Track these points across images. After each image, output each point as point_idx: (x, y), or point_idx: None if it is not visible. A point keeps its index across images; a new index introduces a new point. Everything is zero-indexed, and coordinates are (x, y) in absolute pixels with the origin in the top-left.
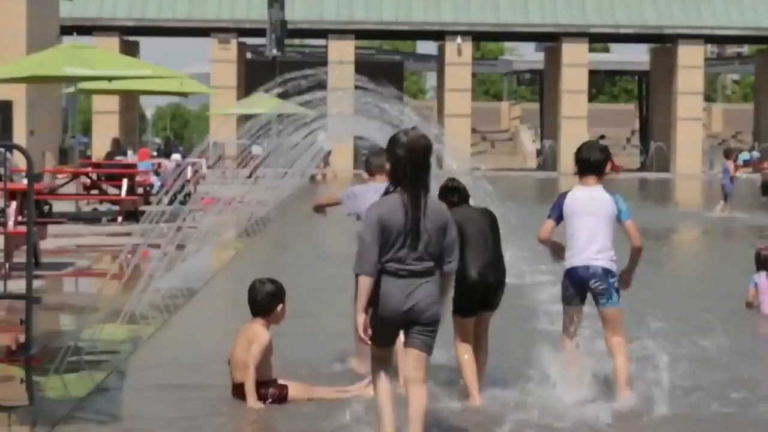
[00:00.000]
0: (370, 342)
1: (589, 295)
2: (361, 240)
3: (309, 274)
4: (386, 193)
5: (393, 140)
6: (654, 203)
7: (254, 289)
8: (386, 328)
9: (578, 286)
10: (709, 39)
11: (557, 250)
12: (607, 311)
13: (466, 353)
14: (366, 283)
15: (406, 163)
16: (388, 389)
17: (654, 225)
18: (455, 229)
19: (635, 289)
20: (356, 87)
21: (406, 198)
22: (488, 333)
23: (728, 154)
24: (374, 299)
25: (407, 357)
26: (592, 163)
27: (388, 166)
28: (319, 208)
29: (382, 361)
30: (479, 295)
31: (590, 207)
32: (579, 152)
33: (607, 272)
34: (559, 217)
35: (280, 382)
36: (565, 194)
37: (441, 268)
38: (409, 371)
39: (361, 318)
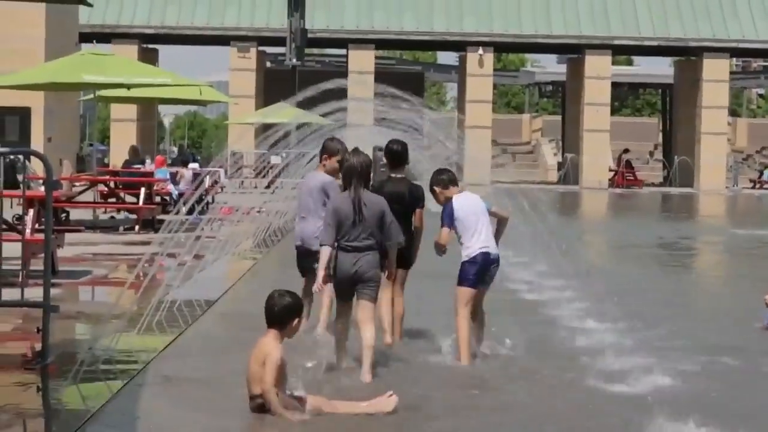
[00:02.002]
0: (322, 291)
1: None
2: (325, 223)
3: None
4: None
5: (343, 160)
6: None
7: (272, 299)
8: (342, 286)
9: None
10: (734, 52)
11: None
12: None
13: (384, 301)
14: (326, 251)
15: (351, 176)
16: (344, 329)
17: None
18: (390, 216)
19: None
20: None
21: (352, 196)
22: (402, 291)
23: None
24: (334, 267)
25: (360, 306)
26: None
27: (341, 177)
28: None
29: (342, 313)
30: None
31: None
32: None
33: None
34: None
35: (297, 394)
36: (450, 204)
37: (383, 246)
38: (362, 316)
39: (321, 273)
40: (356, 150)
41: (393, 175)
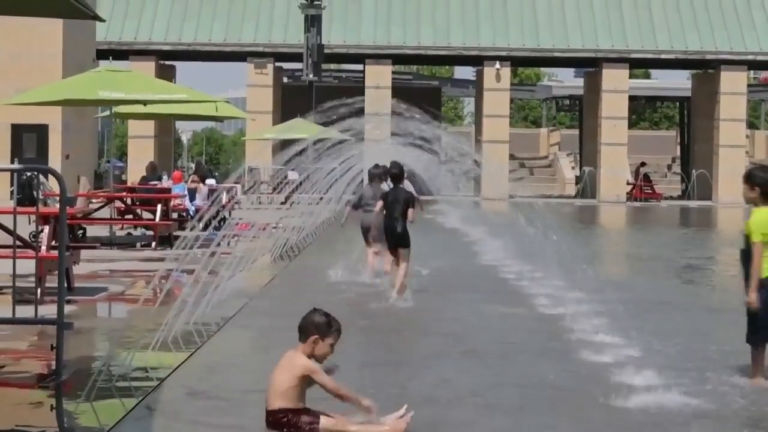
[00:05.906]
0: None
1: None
2: (356, 197)
3: (343, 297)
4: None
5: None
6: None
7: (306, 313)
8: (364, 231)
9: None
10: (752, 65)
11: None
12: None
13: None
14: (351, 210)
15: (372, 178)
16: (371, 253)
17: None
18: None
19: None
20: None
21: (371, 187)
22: (405, 263)
23: None
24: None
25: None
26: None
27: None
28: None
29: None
30: (391, 238)
31: None
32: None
33: None
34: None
35: (315, 411)
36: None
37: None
38: (373, 248)
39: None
40: (376, 165)
41: (396, 186)
